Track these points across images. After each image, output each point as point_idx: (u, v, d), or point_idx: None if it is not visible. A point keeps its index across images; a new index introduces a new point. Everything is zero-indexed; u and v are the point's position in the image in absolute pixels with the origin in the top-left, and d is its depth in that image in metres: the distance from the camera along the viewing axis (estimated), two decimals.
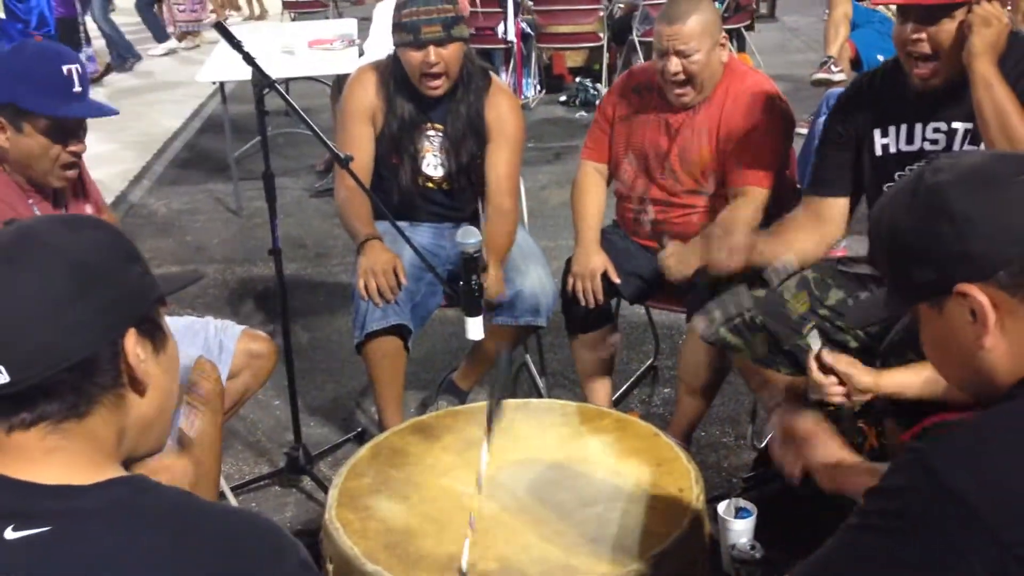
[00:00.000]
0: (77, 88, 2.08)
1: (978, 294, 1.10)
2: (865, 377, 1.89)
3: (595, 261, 2.74)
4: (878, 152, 2.26)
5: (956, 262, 1.11)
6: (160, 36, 9.68)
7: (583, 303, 2.74)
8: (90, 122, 2.19)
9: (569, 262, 2.82)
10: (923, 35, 2.09)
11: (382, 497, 1.92)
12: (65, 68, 2.07)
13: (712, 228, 2.32)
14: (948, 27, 2.08)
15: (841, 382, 1.89)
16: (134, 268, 1.08)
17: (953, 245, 1.11)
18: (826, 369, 1.88)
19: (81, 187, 2.36)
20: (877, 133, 2.26)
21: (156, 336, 1.09)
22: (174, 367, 1.14)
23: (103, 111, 2.20)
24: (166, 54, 9.59)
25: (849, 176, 2.32)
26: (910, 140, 2.22)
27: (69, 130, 2.11)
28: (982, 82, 2.05)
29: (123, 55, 8.91)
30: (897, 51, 2.21)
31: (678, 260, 2.56)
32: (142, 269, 1.09)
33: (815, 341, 1.95)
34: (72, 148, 2.11)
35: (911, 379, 1.89)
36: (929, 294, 1.16)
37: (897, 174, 2.23)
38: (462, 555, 1.68)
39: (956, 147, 2.18)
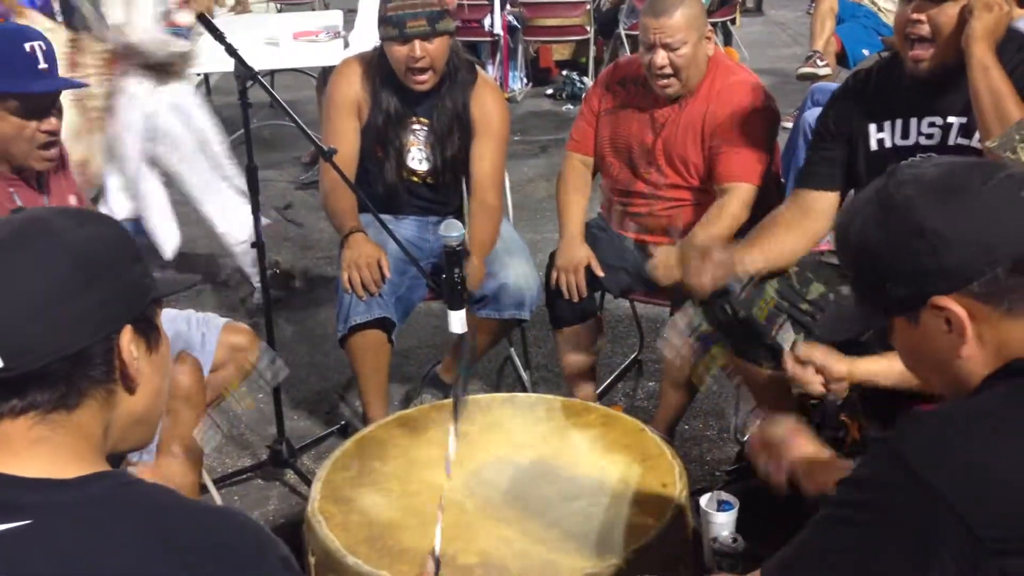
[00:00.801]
0: (42, 65, 2.05)
1: (955, 307, 1.11)
2: (839, 365, 1.90)
3: (579, 254, 2.74)
4: (873, 147, 2.26)
5: (930, 277, 1.11)
6: None
7: (567, 296, 2.74)
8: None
9: (553, 255, 2.82)
10: (923, 17, 2.10)
11: (365, 490, 1.92)
12: (27, 46, 2.04)
13: (690, 250, 2.30)
14: (950, 11, 2.08)
15: (819, 372, 1.91)
16: (136, 267, 1.09)
17: (927, 261, 1.11)
18: (802, 361, 1.90)
19: (66, 176, 2.35)
20: (872, 128, 2.26)
21: (151, 336, 1.10)
22: (165, 367, 1.15)
23: (72, 84, 2.17)
24: None
25: (840, 172, 2.31)
26: (905, 134, 2.22)
27: (40, 107, 2.08)
28: (979, 66, 2.05)
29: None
30: (895, 33, 2.22)
31: (667, 266, 2.54)
32: (143, 269, 1.10)
33: (788, 335, 1.97)
34: (45, 127, 2.09)
35: (884, 368, 1.90)
36: (904, 308, 1.16)
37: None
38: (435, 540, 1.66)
39: (951, 141, 2.18)
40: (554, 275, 2.75)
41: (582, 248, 2.75)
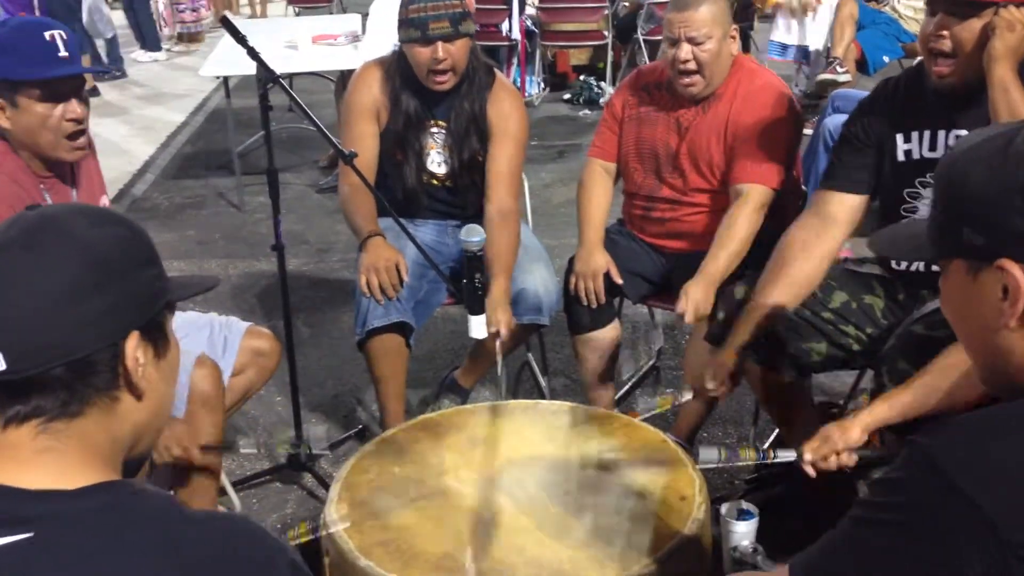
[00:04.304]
0: (63, 53, 2.07)
1: (1019, 274, 1.07)
2: (851, 435, 1.93)
3: (598, 260, 2.73)
4: (900, 157, 2.24)
5: (1011, 238, 1.07)
6: (152, 44, 9.30)
7: (585, 302, 2.73)
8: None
9: (572, 261, 2.81)
10: (945, 32, 2.09)
11: (383, 493, 1.92)
12: (47, 34, 2.07)
13: (702, 362, 2.30)
14: (973, 26, 2.06)
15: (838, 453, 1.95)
16: (150, 271, 1.07)
17: (1017, 221, 1.07)
18: (816, 460, 1.93)
19: (97, 175, 2.38)
20: (900, 138, 2.24)
21: (159, 342, 1.08)
22: (173, 374, 1.13)
23: (92, 70, 2.18)
24: (155, 61, 9.30)
25: (865, 177, 2.28)
26: (933, 147, 2.20)
27: (63, 93, 2.10)
28: (999, 85, 2.04)
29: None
30: (919, 47, 2.21)
31: (696, 307, 2.52)
32: (157, 272, 1.08)
33: (786, 453, 2.01)
34: (70, 114, 2.11)
35: (893, 407, 1.92)
36: (970, 255, 1.12)
37: (918, 180, 2.22)
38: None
39: None
40: (572, 280, 2.74)
41: (602, 255, 2.74)
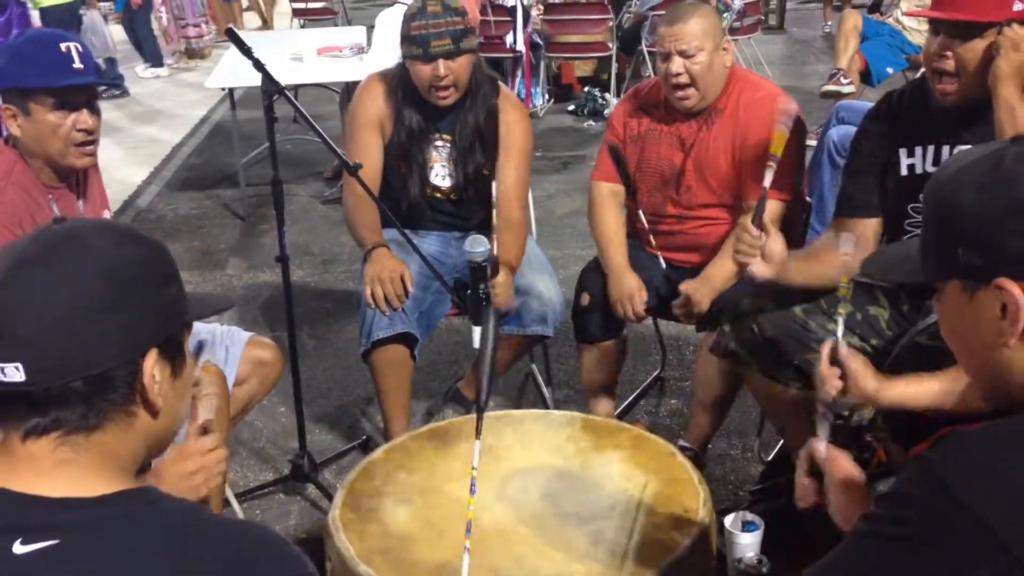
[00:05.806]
0: (78, 64, 2.11)
1: (1019, 294, 1.07)
2: (869, 382, 1.87)
3: (631, 283, 2.71)
4: (903, 172, 2.24)
5: (1008, 258, 1.07)
6: (154, 59, 9.28)
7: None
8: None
9: (583, 273, 2.82)
10: (948, 52, 2.09)
11: (387, 500, 1.93)
12: (63, 46, 2.10)
13: (744, 232, 2.24)
14: (976, 46, 2.07)
15: (844, 380, 1.86)
16: (169, 289, 1.08)
17: (1012, 241, 1.06)
18: (835, 362, 1.87)
19: (100, 189, 2.39)
20: (903, 153, 2.24)
21: (176, 360, 1.09)
22: (187, 392, 1.15)
23: (107, 82, 2.21)
24: (157, 77, 9.30)
25: (878, 198, 2.30)
26: (936, 162, 2.20)
27: (74, 103, 2.12)
28: (1005, 105, 2.04)
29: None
30: (924, 64, 2.21)
31: (697, 301, 2.55)
32: (177, 291, 1.10)
33: (840, 330, 1.90)
34: (81, 124, 2.13)
35: (913, 393, 1.88)
36: (966, 276, 1.12)
37: (922, 195, 2.21)
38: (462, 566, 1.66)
39: None
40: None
41: (633, 276, 2.73)
